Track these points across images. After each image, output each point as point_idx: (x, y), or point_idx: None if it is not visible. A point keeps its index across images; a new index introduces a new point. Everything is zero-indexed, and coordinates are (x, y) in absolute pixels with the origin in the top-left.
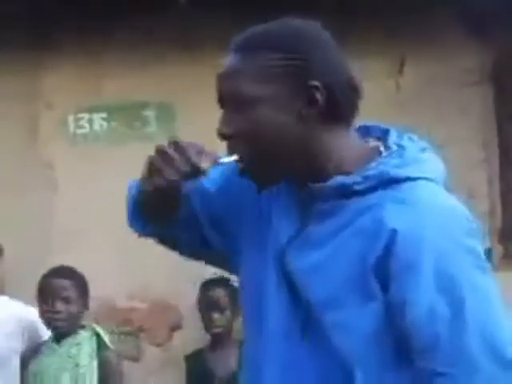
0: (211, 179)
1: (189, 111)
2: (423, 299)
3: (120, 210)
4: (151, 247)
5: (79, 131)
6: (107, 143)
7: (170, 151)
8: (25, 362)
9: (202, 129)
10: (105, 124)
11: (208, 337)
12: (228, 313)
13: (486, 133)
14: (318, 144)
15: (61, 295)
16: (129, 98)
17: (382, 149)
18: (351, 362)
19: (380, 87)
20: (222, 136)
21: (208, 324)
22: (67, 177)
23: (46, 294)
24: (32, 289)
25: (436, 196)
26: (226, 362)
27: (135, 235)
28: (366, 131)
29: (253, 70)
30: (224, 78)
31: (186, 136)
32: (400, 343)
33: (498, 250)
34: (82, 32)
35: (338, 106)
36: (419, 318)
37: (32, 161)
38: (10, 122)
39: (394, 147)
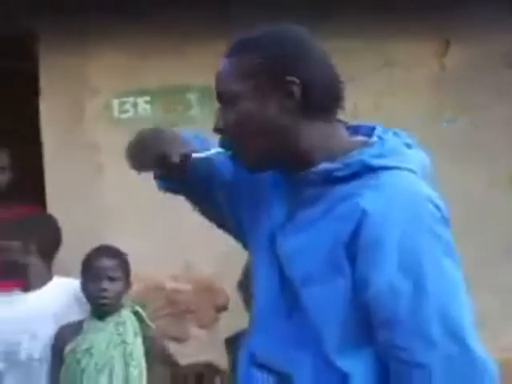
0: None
1: None
2: (385, 275)
3: (165, 193)
4: (197, 228)
5: (123, 115)
6: (151, 127)
7: (147, 141)
8: (63, 340)
9: None
10: (148, 108)
11: None
12: None
13: None
14: (299, 133)
15: (108, 274)
16: (171, 81)
17: (368, 142)
18: (323, 333)
19: (426, 68)
20: (216, 130)
21: (250, 305)
22: (112, 160)
23: (94, 273)
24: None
25: (409, 183)
26: None
27: (180, 216)
28: (355, 129)
29: (236, 69)
30: (216, 80)
31: None
32: (363, 320)
33: None
34: (124, 17)
35: (317, 99)
36: (381, 293)
37: (78, 145)
38: (55, 107)
39: (376, 140)
